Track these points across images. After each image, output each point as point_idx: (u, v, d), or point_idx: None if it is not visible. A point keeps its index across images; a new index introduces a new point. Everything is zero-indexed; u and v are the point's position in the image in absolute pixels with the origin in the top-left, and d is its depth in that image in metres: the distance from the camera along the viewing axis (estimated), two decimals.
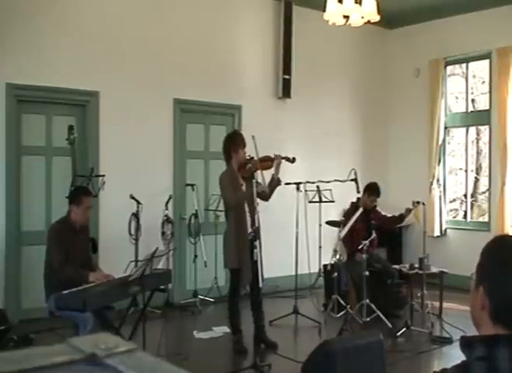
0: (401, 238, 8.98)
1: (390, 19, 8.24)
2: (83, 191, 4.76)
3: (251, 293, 5.29)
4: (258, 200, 5.05)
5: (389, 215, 6.83)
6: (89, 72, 6.39)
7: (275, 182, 5.24)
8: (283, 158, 5.17)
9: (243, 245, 4.96)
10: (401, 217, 6.43)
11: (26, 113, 6.17)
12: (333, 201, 7.26)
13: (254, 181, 4.90)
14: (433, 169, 8.57)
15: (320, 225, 7.17)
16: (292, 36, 7.99)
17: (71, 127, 5.42)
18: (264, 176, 5.10)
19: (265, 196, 5.26)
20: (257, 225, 4.81)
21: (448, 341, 5.48)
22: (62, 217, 4.72)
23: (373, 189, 6.54)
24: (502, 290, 1.28)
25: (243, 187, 5.12)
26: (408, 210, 6.17)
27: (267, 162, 5.13)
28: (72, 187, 5.38)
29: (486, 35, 8.00)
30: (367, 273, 5.83)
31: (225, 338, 5.68)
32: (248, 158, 5.11)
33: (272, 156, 5.18)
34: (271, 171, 5.23)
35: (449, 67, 8.90)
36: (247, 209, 5.02)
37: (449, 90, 8.97)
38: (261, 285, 4.71)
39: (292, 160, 5.22)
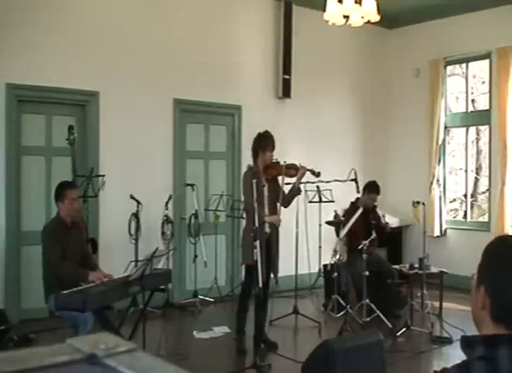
0: (401, 238, 8.98)
1: (390, 19, 8.23)
2: (64, 185, 4.70)
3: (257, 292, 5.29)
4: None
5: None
6: (89, 72, 6.39)
7: (295, 190, 5.41)
8: (308, 170, 5.35)
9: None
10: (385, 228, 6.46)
11: (26, 113, 6.17)
12: (333, 201, 7.26)
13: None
14: (433, 169, 8.57)
15: (320, 225, 7.18)
16: (292, 36, 7.99)
17: (71, 127, 5.41)
18: (284, 182, 5.31)
19: (284, 203, 5.41)
20: (257, 226, 4.82)
21: (448, 341, 5.48)
22: (53, 217, 4.76)
23: (372, 187, 6.53)
24: (503, 290, 1.28)
25: (265, 188, 5.28)
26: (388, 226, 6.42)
27: (292, 170, 5.32)
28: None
29: (486, 35, 8.00)
30: (367, 273, 5.83)
31: (225, 338, 5.68)
32: (274, 161, 5.32)
33: (299, 165, 5.36)
34: (294, 179, 5.39)
35: (449, 67, 8.90)
36: (266, 209, 5.23)
37: (449, 90, 8.97)
38: (261, 285, 4.70)
39: (318, 174, 5.40)
